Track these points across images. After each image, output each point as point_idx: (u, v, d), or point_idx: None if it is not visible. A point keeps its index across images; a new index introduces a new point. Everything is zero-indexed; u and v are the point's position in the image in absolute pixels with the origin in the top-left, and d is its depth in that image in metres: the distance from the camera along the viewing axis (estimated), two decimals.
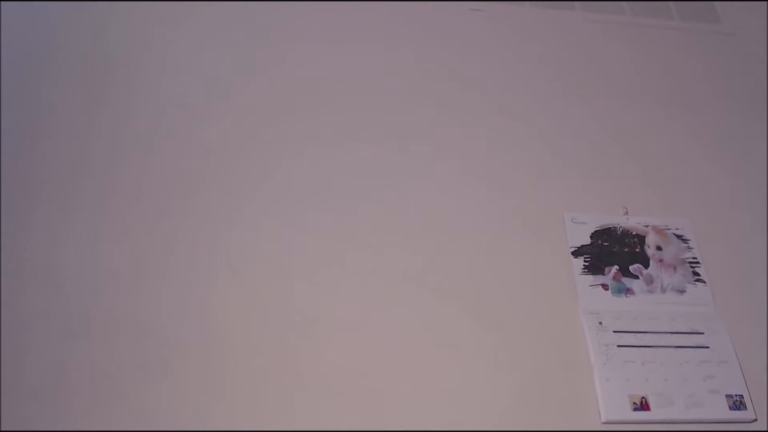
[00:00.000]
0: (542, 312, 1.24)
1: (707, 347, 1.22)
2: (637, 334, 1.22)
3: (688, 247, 1.36)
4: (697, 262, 1.34)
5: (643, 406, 1.14)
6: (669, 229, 1.38)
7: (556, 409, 1.13)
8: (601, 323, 1.23)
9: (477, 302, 1.23)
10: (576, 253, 1.32)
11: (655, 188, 1.45)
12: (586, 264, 1.30)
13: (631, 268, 1.31)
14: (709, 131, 1.58)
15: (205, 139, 1.37)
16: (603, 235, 1.35)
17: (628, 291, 1.28)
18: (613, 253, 1.33)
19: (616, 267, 1.31)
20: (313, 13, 1.63)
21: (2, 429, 1.01)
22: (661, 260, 1.33)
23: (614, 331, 1.22)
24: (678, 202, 1.43)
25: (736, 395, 1.17)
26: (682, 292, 1.29)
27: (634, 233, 1.36)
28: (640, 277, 1.30)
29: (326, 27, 1.61)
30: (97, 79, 1.42)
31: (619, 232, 1.36)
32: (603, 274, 1.30)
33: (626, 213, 1.39)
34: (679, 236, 1.37)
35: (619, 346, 1.20)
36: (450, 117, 1.49)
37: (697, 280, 1.31)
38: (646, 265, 1.32)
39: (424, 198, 1.35)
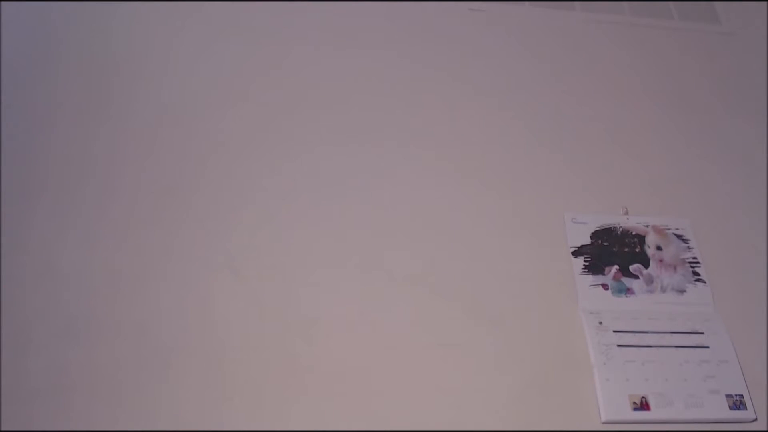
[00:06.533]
0: (542, 312, 1.24)
1: (707, 347, 1.22)
2: (637, 334, 1.22)
3: (688, 247, 1.36)
4: (697, 262, 1.34)
5: (643, 405, 1.14)
6: (669, 229, 1.38)
7: (556, 409, 1.13)
8: (601, 323, 1.23)
9: (477, 302, 1.23)
10: (576, 253, 1.32)
11: (655, 188, 1.45)
12: (586, 264, 1.31)
13: (631, 268, 1.31)
14: (709, 131, 1.58)
15: (206, 139, 1.36)
16: (603, 235, 1.35)
17: (628, 291, 1.28)
18: (613, 252, 1.33)
19: (616, 267, 1.31)
20: (313, 14, 1.63)
21: (2, 429, 1.01)
22: (661, 260, 1.33)
23: (614, 331, 1.22)
24: (678, 202, 1.43)
25: (736, 395, 1.17)
26: (682, 291, 1.29)
27: (634, 233, 1.36)
28: (640, 277, 1.30)
29: (325, 28, 1.60)
30: (97, 79, 1.42)
31: (619, 232, 1.36)
32: (603, 274, 1.30)
33: (626, 213, 1.39)
34: (679, 236, 1.37)
35: (619, 345, 1.20)
36: (450, 117, 1.49)
37: (697, 280, 1.31)
38: (646, 265, 1.32)
39: (424, 198, 1.35)
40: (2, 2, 1.48)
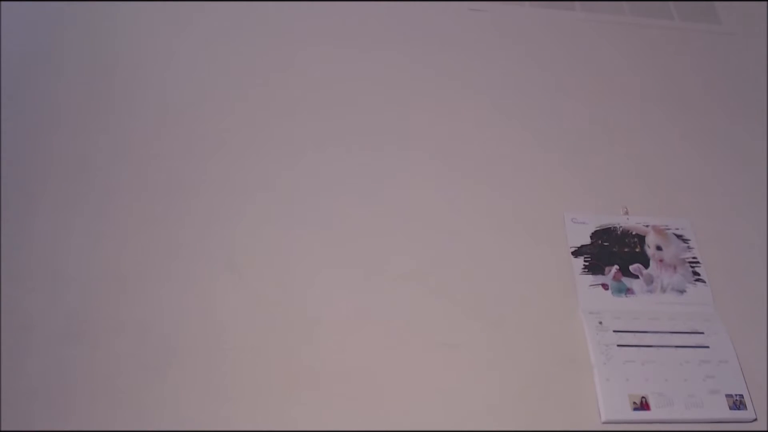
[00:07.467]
0: (542, 312, 1.24)
1: (707, 347, 1.22)
2: (637, 334, 1.22)
3: (688, 247, 1.36)
4: (697, 262, 1.34)
5: (643, 405, 1.14)
6: (669, 229, 1.38)
7: (556, 409, 1.13)
8: (601, 323, 1.23)
9: (477, 302, 1.23)
10: (576, 253, 1.32)
11: (655, 188, 1.45)
12: (586, 264, 1.31)
13: (631, 267, 1.31)
14: (709, 131, 1.58)
15: (208, 140, 1.36)
16: (603, 235, 1.35)
17: (628, 291, 1.28)
18: (613, 252, 1.33)
19: (616, 267, 1.31)
20: (314, 14, 1.63)
21: (2, 429, 1.01)
22: (661, 260, 1.33)
23: (614, 331, 1.22)
24: (678, 202, 1.43)
25: (736, 395, 1.17)
26: (682, 292, 1.29)
27: (634, 233, 1.36)
28: (640, 276, 1.30)
29: (326, 28, 1.60)
30: (99, 79, 1.42)
31: (619, 232, 1.36)
32: (603, 273, 1.30)
33: (626, 213, 1.39)
34: (679, 236, 1.37)
35: (619, 345, 1.20)
36: (450, 117, 1.49)
37: (697, 280, 1.31)
38: (646, 265, 1.32)
39: (425, 198, 1.35)
40: (2, 2, 1.48)
